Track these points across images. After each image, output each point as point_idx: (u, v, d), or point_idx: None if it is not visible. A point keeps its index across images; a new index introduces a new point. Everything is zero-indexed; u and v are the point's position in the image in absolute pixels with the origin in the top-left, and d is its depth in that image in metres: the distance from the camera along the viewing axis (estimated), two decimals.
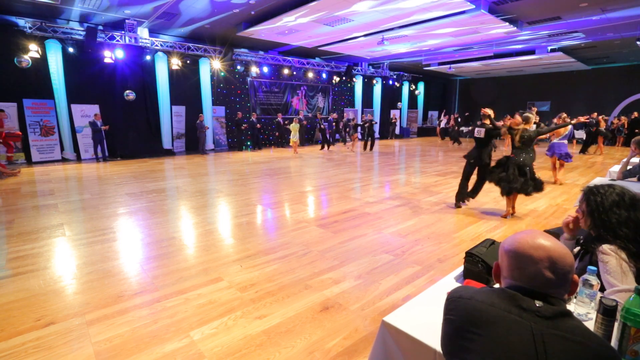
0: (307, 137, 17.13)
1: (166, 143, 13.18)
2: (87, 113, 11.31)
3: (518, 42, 13.08)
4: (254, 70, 14.61)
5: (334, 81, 18.09)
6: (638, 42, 11.07)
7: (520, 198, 5.56)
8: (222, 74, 14.04)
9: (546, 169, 8.23)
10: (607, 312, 1.18)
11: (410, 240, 4.14)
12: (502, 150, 13.82)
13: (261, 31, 11.20)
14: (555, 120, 7.48)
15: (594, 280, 1.31)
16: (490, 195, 6.27)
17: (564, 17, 9.80)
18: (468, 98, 23.53)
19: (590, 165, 10.11)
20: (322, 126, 14.62)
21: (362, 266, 3.44)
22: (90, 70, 11.20)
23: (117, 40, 11.07)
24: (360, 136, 14.77)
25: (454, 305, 0.96)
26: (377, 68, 19.22)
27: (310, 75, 16.61)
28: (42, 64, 10.44)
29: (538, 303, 0.87)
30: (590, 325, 1.27)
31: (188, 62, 13.02)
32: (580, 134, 15.09)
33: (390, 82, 20.01)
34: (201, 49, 13.03)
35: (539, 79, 19.96)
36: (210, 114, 14.21)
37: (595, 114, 13.76)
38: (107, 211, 5.40)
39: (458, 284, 1.74)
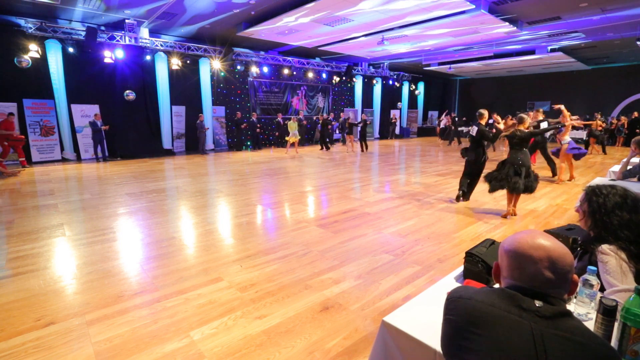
0: (307, 137, 17.12)
1: (166, 143, 13.18)
2: (87, 113, 11.31)
3: (518, 42, 13.08)
4: (254, 70, 14.60)
5: (334, 81, 18.09)
6: (638, 42, 11.07)
7: (521, 198, 5.59)
8: (222, 74, 14.04)
9: (547, 169, 8.22)
10: (607, 312, 1.18)
11: (410, 240, 4.14)
12: (502, 150, 13.83)
13: (261, 31, 11.20)
14: (560, 119, 7.48)
15: (594, 280, 1.31)
16: (490, 195, 6.26)
17: (564, 17, 9.79)
18: (468, 98, 23.53)
19: (591, 165, 10.11)
20: (329, 126, 14.45)
21: (362, 266, 3.44)
22: (90, 70, 11.19)
23: (117, 40, 11.07)
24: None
25: (454, 306, 0.96)
26: (377, 68, 19.22)
27: (310, 75, 16.60)
28: (42, 64, 10.43)
29: (538, 303, 0.87)
30: (590, 325, 1.27)
31: (188, 62, 13.02)
32: (581, 134, 15.07)
33: (390, 82, 20.01)
34: (201, 49, 13.03)
35: (539, 79, 19.96)
36: (210, 114, 14.21)
37: (599, 115, 13.77)
38: (107, 211, 5.40)
39: (458, 284, 1.74)
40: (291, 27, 10.79)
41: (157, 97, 12.87)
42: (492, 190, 5.03)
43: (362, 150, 14.04)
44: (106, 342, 2.29)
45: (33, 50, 9.90)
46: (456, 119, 18.00)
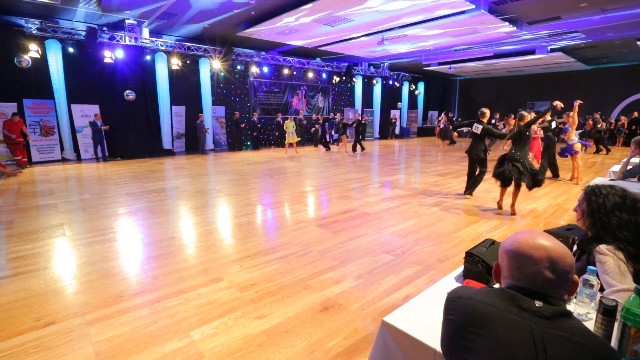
0: (307, 137, 17.11)
1: (166, 143, 13.18)
2: (87, 113, 11.31)
3: (518, 42, 13.08)
4: (254, 70, 14.60)
5: (334, 81, 18.09)
6: (638, 42, 11.07)
7: (521, 198, 5.62)
8: (222, 74, 14.04)
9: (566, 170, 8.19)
10: (607, 312, 1.18)
11: (410, 240, 4.14)
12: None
13: (261, 31, 11.20)
14: (564, 118, 7.49)
15: (594, 280, 1.31)
16: (490, 195, 6.28)
17: (564, 17, 9.79)
18: (468, 98, 23.53)
19: (591, 165, 10.11)
20: (342, 125, 14.14)
21: (362, 266, 3.44)
22: (91, 70, 11.20)
23: (117, 40, 11.07)
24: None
25: (454, 306, 0.96)
26: (377, 68, 19.22)
27: (310, 75, 16.60)
28: (42, 64, 10.44)
29: (538, 303, 0.87)
30: (590, 325, 1.27)
31: (188, 62, 13.02)
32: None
33: (390, 82, 20.02)
34: (201, 49, 13.03)
35: (539, 79, 19.96)
36: (210, 114, 14.22)
37: (598, 114, 13.79)
38: (107, 211, 5.40)
39: (458, 284, 1.74)
40: (291, 27, 10.79)
41: (157, 97, 12.88)
42: (503, 183, 5.18)
43: (354, 151, 13.59)
44: (106, 342, 2.29)
45: (33, 50, 9.90)
46: (454, 118, 18.03)
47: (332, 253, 3.77)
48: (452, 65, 17.53)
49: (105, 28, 10.98)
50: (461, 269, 1.87)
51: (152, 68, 12.55)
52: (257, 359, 2.14)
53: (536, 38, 12.49)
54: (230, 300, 2.81)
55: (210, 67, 13.63)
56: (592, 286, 1.31)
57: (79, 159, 11.41)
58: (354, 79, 19.06)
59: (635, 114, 15.16)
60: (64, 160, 11.18)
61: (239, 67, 14.36)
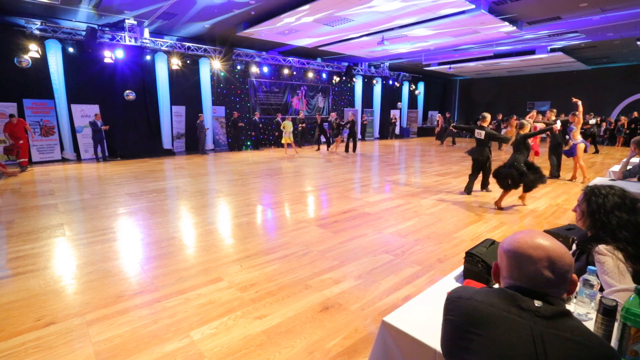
0: (310, 136, 17.10)
1: (166, 143, 13.18)
2: (87, 113, 11.31)
3: (518, 42, 13.08)
4: (254, 70, 14.60)
5: (334, 81, 18.08)
6: (638, 42, 11.07)
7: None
8: (222, 74, 14.03)
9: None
10: (607, 312, 1.18)
11: (410, 240, 4.14)
12: (504, 152, 13.82)
13: (261, 31, 11.19)
14: (569, 118, 7.50)
15: (594, 280, 1.31)
16: (491, 195, 6.28)
17: (564, 17, 9.79)
18: (468, 98, 23.53)
19: (590, 165, 10.11)
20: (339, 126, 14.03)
21: (362, 266, 3.44)
22: (91, 70, 11.19)
23: (117, 40, 11.07)
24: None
25: (454, 306, 0.96)
26: (377, 68, 19.21)
27: (310, 75, 16.59)
28: (42, 64, 10.43)
29: (537, 303, 0.87)
30: (590, 325, 1.27)
31: (188, 62, 13.02)
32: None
33: (390, 82, 20.01)
34: (201, 49, 13.03)
35: (539, 79, 19.95)
36: (210, 114, 14.21)
37: (594, 116, 13.81)
38: (107, 211, 5.40)
39: (458, 284, 1.74)
40: (291, 27, 10.79)
41: (157, 97, 12.87)
42: (514, 186, 5.31)
43: (347, 151, 13.41)
44: (106, 342, 2.29)
45: (33, 50, 9.89)
46: (450, 119, 18.06)
47: (332, 253, 3.77)
48: (452, 65, 17.52)
49: (106, 28, 10.97)
50: (461, 269, 1.88)
51: (152, 68, 12.55)
52: (257, 359, 2.14)
53: (536, 38, 12.49)
54: (230, 300, 2.81)
55: (211, 67, 13.63)
56: (592, 286, 1.32)
57: (79, 159, 11.41)
58: (354, 79, 19.06)
59: (635, 113, 15.16)
60: (64, 160, 11.18)
61: (239, 67, 14.35)
